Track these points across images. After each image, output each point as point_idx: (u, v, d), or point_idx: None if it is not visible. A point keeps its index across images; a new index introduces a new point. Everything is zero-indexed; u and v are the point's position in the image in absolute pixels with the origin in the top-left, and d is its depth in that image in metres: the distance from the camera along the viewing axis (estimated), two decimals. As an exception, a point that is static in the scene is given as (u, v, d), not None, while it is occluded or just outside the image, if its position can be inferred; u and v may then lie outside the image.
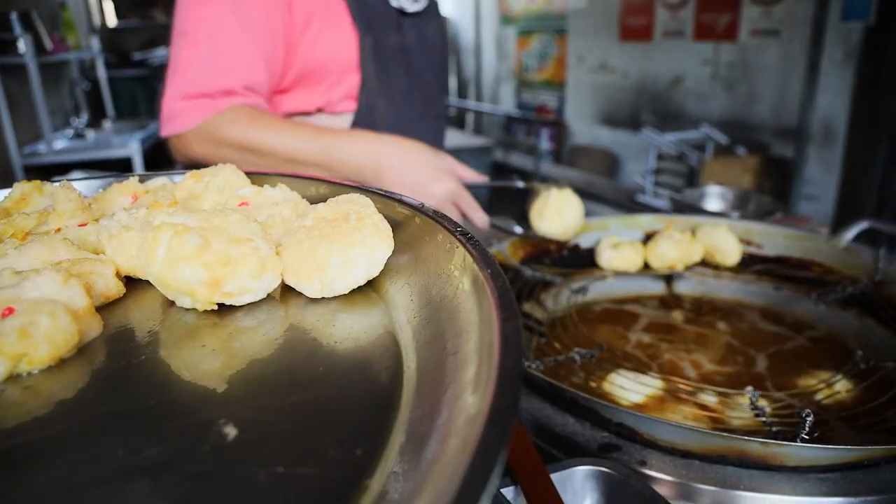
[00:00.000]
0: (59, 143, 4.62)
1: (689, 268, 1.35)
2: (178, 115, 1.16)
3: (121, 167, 4.58)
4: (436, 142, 1.46)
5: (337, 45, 1.22)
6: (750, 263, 1.37)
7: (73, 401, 0.43)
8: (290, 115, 1.29)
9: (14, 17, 3.98)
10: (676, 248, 1.32)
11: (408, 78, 1.33)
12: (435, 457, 0.33)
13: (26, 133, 4.44)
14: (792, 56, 3.82)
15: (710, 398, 0.93)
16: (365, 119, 1.29)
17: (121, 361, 0.47)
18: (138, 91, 6.81)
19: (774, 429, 0.80)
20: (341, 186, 0.72)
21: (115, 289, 0.55)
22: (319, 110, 1.28)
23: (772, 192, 3.70)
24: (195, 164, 1.15)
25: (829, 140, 3.67)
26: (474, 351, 0.40)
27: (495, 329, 0.38)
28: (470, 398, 0.35)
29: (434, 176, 1.16)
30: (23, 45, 3.98)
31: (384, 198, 0.64)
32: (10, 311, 0.46)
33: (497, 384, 0.33)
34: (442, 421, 0.36)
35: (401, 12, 1.29)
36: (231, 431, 0.38)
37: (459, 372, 0.40)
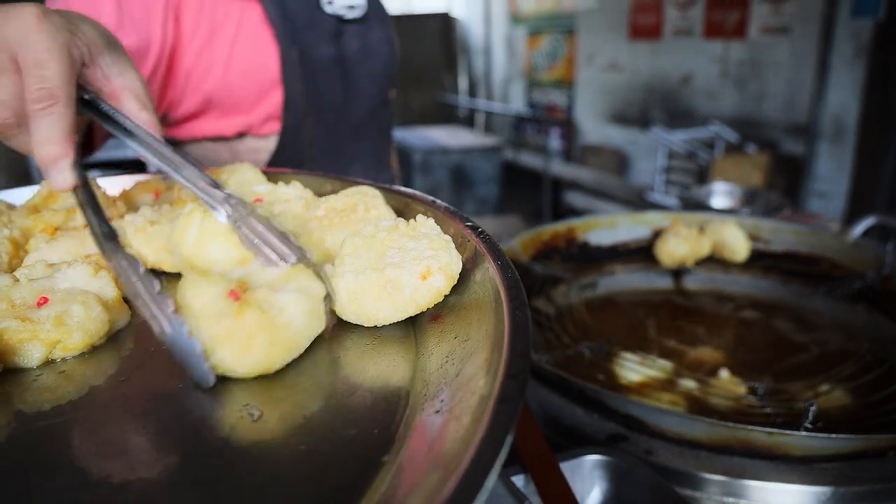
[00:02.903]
0: (75, 144, 4.66)
1: (698, 263, 1.36)
2: None
3: (135, 167, 4.62)
4: (377, 158, 1.34)
5: (254, 61, 1.08)
6: (758, 259, 1.38)
7: (105, 385, 0.45)
8: (208, 139, 1.15)
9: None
10: (685, 243, 1.33)
11: (344, 90, 1.20)
12: (449, 434, 0.35)
13: (42, 134, 4.50)
14: (802, 53, 3.81)
15: (714, 389, 0.94)
16: (291, 139, 1.16)
17: (149, 348, 0.49)
18: (151, 92, 6.86)
19: (780, 420, 0.82)
20: (355, 184, 0.74)
21: (142, 281, 0.57)
22: (241, 134, 1.15)
23: (783, 189, 3.69)
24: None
25: (839, 136, 3.66)
26: (486, 338, 0.42)
27: (506, 317, 0.40)
28: (482, 381, 0.37)
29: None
30: (39, 47, 4.03)
31: (397, 194, 0.66)
32: (45, 300, 0.49)
33: (507, 367, 0.35)
34: (454, 402, 0.38)
35: (339, 20, 1.17)
36: (255, 413, 0.41)
37: (470, 357, 0.42)
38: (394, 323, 0.49)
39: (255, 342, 0.41)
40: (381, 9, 1.26)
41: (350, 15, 1.17)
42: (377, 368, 0.45)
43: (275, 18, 1.07)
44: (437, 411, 0.39)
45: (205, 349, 0.42)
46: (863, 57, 3.46)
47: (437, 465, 0.33)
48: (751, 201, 2.27)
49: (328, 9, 1.14)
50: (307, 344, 0.46)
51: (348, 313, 0.49)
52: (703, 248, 1.35)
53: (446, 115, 7.34)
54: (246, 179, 0.73)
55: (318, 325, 0.46)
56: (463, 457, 0.30)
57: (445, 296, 0.49)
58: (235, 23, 1.05)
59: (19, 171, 4.13)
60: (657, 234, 1.43)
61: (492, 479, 0.28)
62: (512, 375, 0.34)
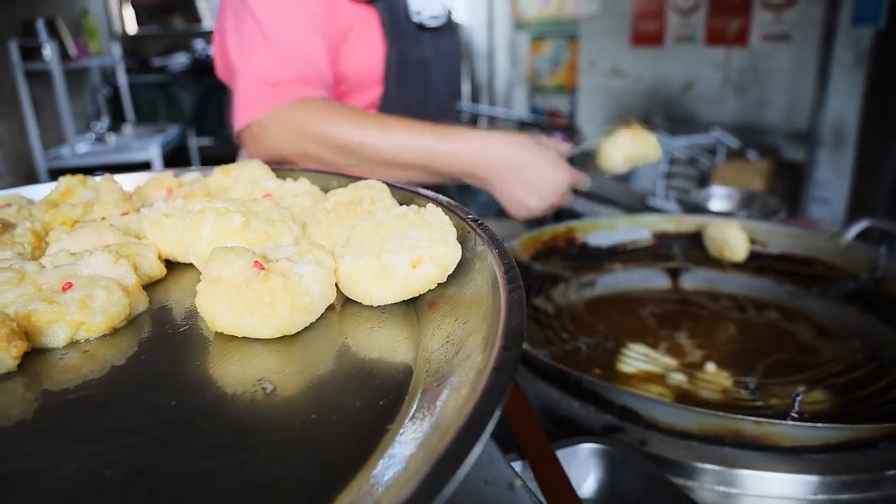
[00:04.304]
0: (82, 147, 4.73)
1: (696, 263, 1.39)
2: (255, 102, 1.15)
3: (141, 170, 4.67)
4: None
5: (367, 57, 1.25)
6: (755, 260, 1.41)
7: (126, 364, 0.48)
8: None
9: (40, 23, 4.10)
10: (633, 146, 1.29)
11: (424, 90, 1.36)
12: (449, 403, 0.38)
13: (50, 137, 4.56)
14: (803, 60, 3.84)
15: (703, 382, 0.97)
16: None
17: (167, 331, 0.52)
18: (158, 96, 6.94)
19: (769, 411, 0.84)
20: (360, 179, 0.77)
21: (158, 270, 0.61)
22: None
23: (783, 195, 3.71)
24: (275, 161, 1.13)
25: (840, 143, 3.69)
26: (483, 319, 0.45)
27: (502, 298, 0.43)
28: (479, 357, 0.40)
29: (553, 164, 1.20)
30: (49, 51, 4.08)
31: (402, 189, 0.69)
32: (70, 285, 0.52)
33: (502, 340, 0.38)
34: (454, 376, 0.41)
35: (420, 27, 1.31)
36: (269, 387, 0.44)
37: (469, 337, 0.45)
38: (398, 306, 0.52)
39: (279, 305, 0.45)
40: (452, 20, 1.42)
41: (431, 24, 1.32)
42: (383, 347, 0.48)
43: (387, 24, 1.23)
44: (438, 385, 0.41)
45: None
46: (863, 65, 3.49)
47: (436, 430, 0.36)
48: (748, 205, 2.30)
49: (415, 18, 1.29)
50: (321, 311, 0.50)
51: (347, 291, 0.53)
52: (651, 152, 1.31)
53: (450, 120, 7.37)
54: (255, 176, 0.76)
55: (331, 294, 0.51)
56: (460, 418, 0.32)
57: (441, 283, 0.52)
58: (361, 21, 1.22)
59: (27, 172, 4.17)
60: (656, 236, 1.47)
61: (485, 437, 0.31)
62: (507, 348, 0.37)
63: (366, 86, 1.28)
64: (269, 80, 1.14)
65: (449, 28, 1.41)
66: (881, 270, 1.25)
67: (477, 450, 0.30)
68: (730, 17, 4.28)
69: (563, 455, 0.76)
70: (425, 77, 1.36)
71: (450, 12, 1.40)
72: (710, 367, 1.00)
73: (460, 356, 0.43)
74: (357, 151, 1.12)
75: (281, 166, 0.82)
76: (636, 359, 1.02)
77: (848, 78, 3.58)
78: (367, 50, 1.24)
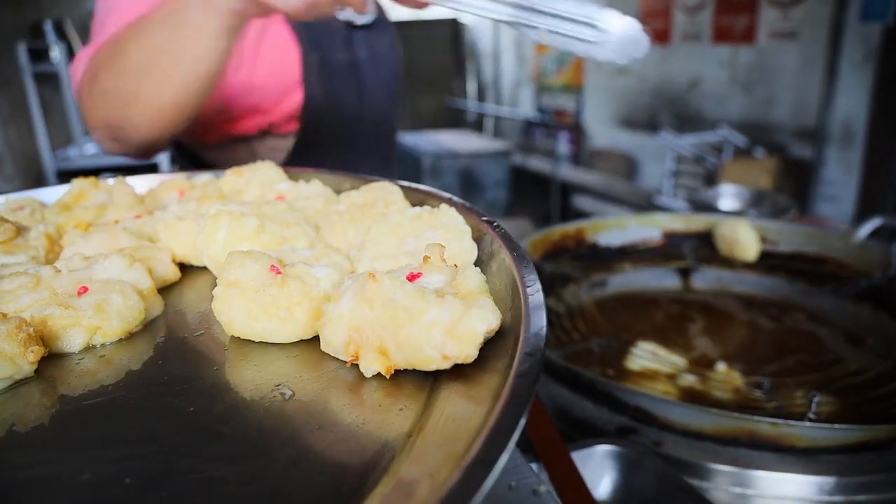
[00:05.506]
0: (90, 148, 4.74)
1: (707, 262, 1.38)
2: (73, 74, 0.99)
3: (149, 171, 4.68)
4: (387, 160, 1.39)
5: (278, 62, 1.11)
6: (765, 259, 1.40)
7: (142, 369, 0.48)
8: (231, 138, 1.18)
9: (48, 25, 4.11)
10: None
11: (358, 95, 1.24)
12: (471, 409, 0.38)
13: (59, 138, 4.58)
14: (810, 57, 3.82)
15: (715, 382, 0.96)
16: (310, 139, 1.18)
17: (182, 335, 0.52)
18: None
19: (784, 412, 0.84)
20: (373, 181, 0.77)
21: (172, 273, 0.60)
22: (264, 133, 1.19)
23: (791, 193, 3.70)
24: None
25: (848, 140, 3.67)
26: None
27: (522, 301, 0.43)
28: (500, 363, 0.40)
29: None
30: (57, 53, 4.10)
31: (415, 191, 0.69)
32: (85, 289, 0.51)
33: (524, 345, 0.38)
34: (475, 383, 0.40)
35: (350, 25, 1.20)
36: (287, 392, 0.43)
37: (490, 343, 0.44)
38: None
39: (296, 310, 0.45)
40: (385, 16, 1.30)
41: (360, 21, 1.21)
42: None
43: (298, 24, 1.11)
44: (458, 392, 0.41)
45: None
46: (871, 61, 3.47)
47: (461, 437, 0.35)
48: (757, 203, 2.29)
49: (341, 15, 1.17)
50: None
51: None
52: None
53: (455, 119, 7.39)
54: (268, 178, 0.76)
55: None
56: (485, 426, 0.32)
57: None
58: (261, 24, 1.08)
59: (35, 173, 4.19)
60: (665, 235, 1.46)
61: (513, 443, 0.31)
62: (530, 353, 0.37)
63: (285, 93, 1.15)
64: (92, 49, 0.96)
65: (384, 26, 1.30)
66: (894, 269, 1.24)
67: (505, 457, 0.29)
68: (736, 14, 4.27)
69: (578, 457, 0.75)
70: (359, 81, 1.24)
71: (381, 9, 1.29)
72: (721, 366, 1.00)
73: (480, 362, 0.43)
74: (120, 52, 0.88)
75: (295, 169, 0.82)
76: (644, 357, 1.02)
77: (856, 74, 3.56)
78: (278, 53, 1.11)
